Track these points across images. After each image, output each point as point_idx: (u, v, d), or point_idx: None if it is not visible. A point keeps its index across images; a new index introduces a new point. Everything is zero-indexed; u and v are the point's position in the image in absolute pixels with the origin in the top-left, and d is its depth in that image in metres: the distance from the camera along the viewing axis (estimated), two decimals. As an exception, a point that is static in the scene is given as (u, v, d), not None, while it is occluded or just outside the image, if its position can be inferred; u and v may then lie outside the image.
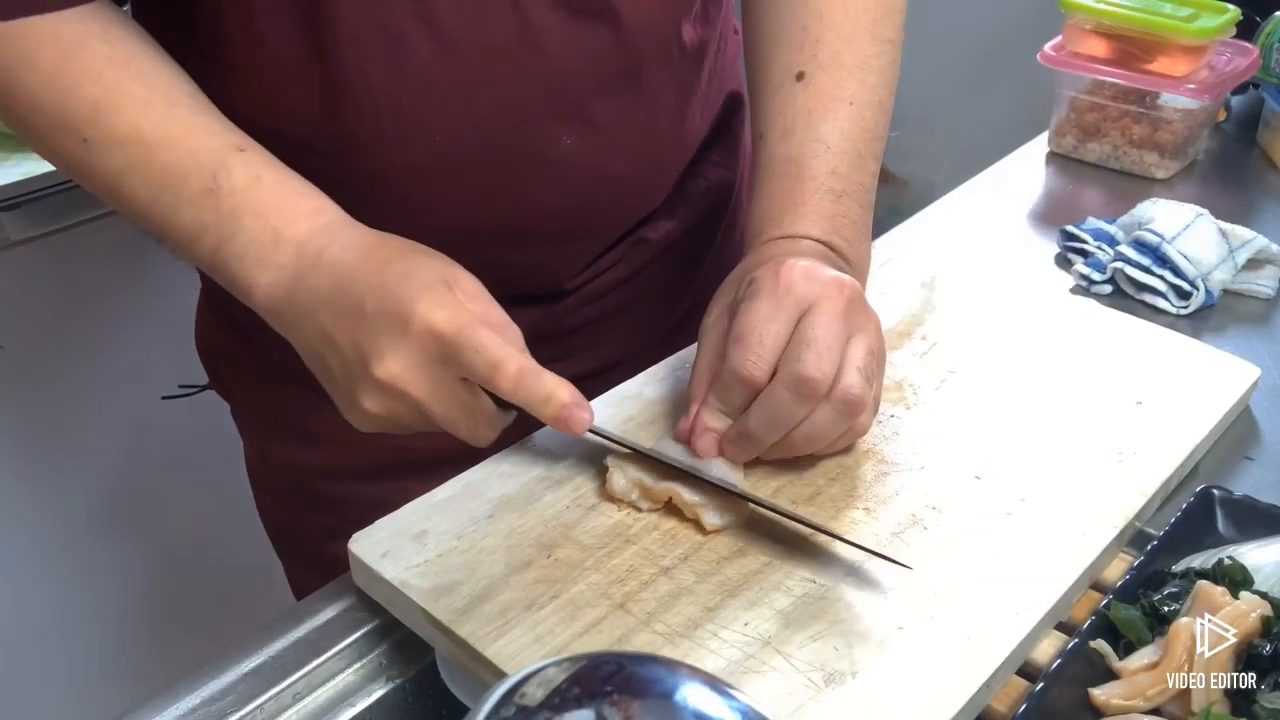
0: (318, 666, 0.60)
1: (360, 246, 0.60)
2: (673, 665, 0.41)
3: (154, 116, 0.60)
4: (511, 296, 0.76)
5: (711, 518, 0.60)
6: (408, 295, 0.56)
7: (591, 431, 0.61)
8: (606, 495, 0.62)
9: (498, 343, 0.56)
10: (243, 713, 0.57)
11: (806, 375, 0.58)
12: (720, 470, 0.61)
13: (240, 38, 0.64)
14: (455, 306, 0.56)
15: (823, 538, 0.60)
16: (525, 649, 0.53)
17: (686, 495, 0.60)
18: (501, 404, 0.60)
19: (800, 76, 0.69)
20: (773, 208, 0.68)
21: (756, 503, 0.61)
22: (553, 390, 0.57)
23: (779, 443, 0.61)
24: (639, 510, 0.62)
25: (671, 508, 0.61)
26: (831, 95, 0.69)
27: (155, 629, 1.52)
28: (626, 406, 0.70)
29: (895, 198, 2.57)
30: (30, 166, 1.17)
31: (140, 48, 0.62)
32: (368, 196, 0.68)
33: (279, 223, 0.60)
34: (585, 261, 0.78)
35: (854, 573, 0.58)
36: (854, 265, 0.67)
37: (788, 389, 0.58)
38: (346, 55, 0.63)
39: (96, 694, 1.40)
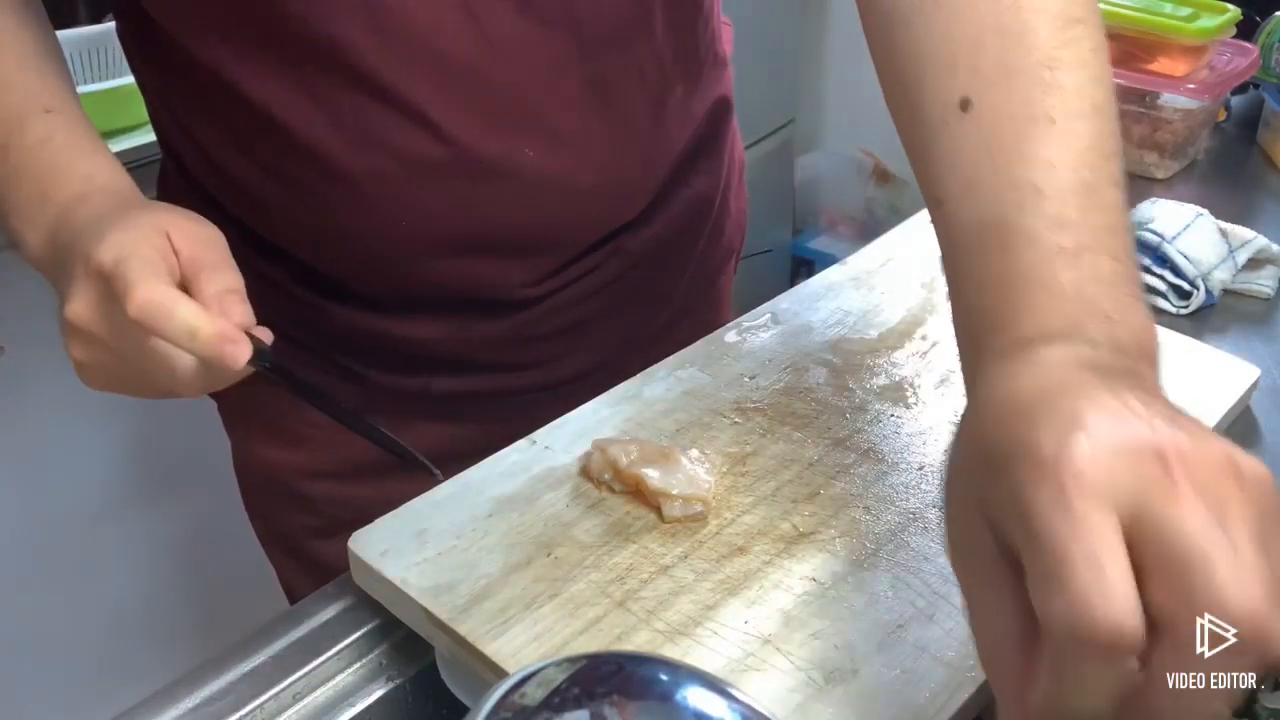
0: (318, 666, 0.60)
1: (106, 206, 0.59)
2: (673, 665, 0.41)
3: None
4: (479, 305, 0.75)
5: (673, 509, 0.61)
6: (102, 235, 0.55)
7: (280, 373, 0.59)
8: (584, 474, 0.63)
9: (143, 273, 0.53)
10: (243, 713, 0.57)
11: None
12: (676, 482, 0.62)
13: (200, 37, 0.64)
14: (135, 243, 0.54)
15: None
16: (525, 647, 0.53)
17: (651, 482, 0.61)
18: None
19: (965, 105, 0.50)
20: (985, 303, 0.46)
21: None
22: (192, 326, 0.53)
23: None
24: (613, 491, 0.62)
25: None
26: (1018, 117, 0.49)
27: (155, 629, 1.52)
28: (626, 407, 0.70)
29: (895, 198, 2.57)
30: (30, 166, 1.17)
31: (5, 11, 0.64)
32: (331, 207, 0.68)
33: (49, 186, 0.60)
34: (551, 271, 0.76)
35: (854, 572, 0.58)
36: (1129, 348, 0.43)
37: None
38: (303, 64, 0.63)
39: (97, 694, 1.40)
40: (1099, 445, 0.36)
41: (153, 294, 0.52)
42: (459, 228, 0.70)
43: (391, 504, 0.62)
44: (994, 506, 0.39)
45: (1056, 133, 0.48)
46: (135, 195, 0.61)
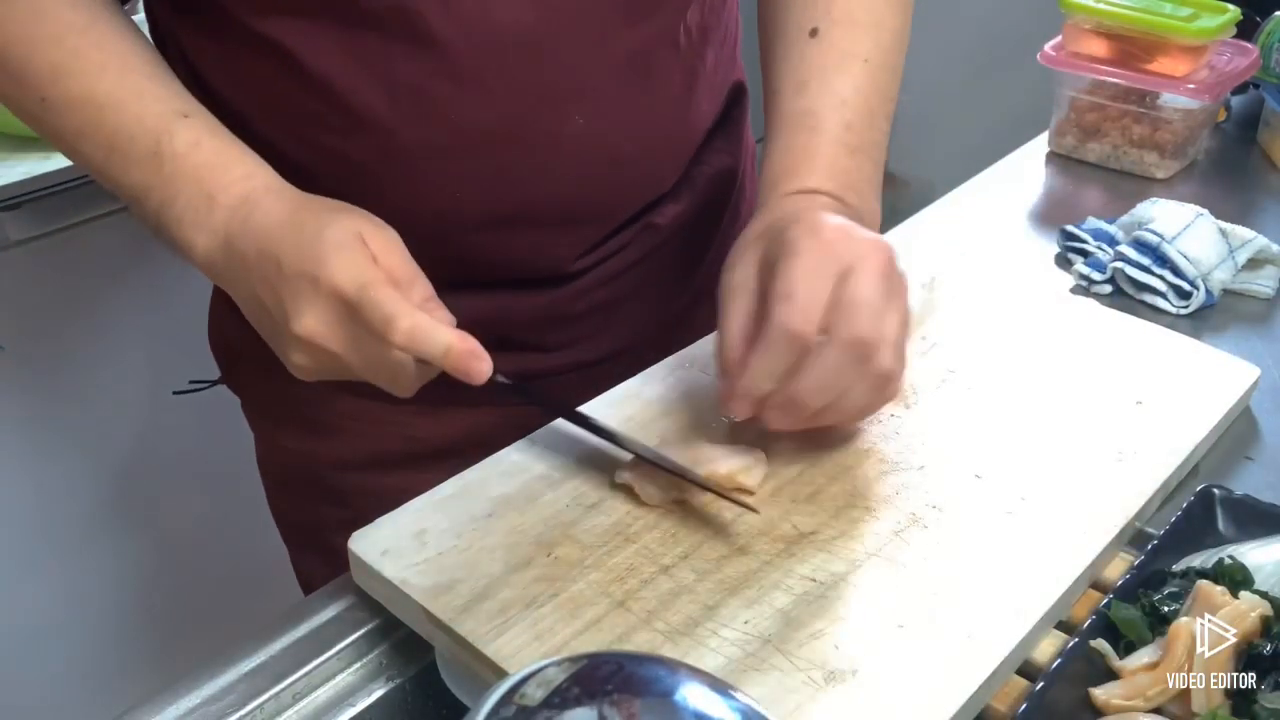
0: (318, 666, 0.60)
1: (283, 210, 0.62)
2: (672, 665, 0.41)
3: (106, 81, 0.64)
4: (516, 281, 0.77)
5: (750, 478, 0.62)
6: (319, 254, 0.59)
7: (519, 391, 0.64)
8: (640, 504, 0.62)
9: (394, 300, 0.58)
10: (243, 713, 0.57)
11: (862, 336, 0.58)
12: (739, 460, 0.63)
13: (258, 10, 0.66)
14: (361, 264, 0.58)
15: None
16: (525, 647, 0.53)
17: (723, 468, 0.62)
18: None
19: (814, 33, 0.70)
20: (787, 159, 0.68)
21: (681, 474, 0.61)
22: (448, 343, 0.58)
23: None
24: (674, 506, 0.62)
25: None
26: (845, 51, 0.70)
27: (155, 629, 1.52)
28: (625, 406, 0.70)
29: (895, 198, 2.56)
30: (30, 166, 1.17)
31: (103, 12, 0.65)
32: (381, 180, 0.69)
33: (212, 187, 0.63)
34: (591, 244, 0.78)
35: (854, 572, 0.58)
36: (866, 224, 0.67)
37: (842, 351, 0.58)
38: (365, 35, 0.65)
39: (97, 694, 1.40)
40: (836, 224, 0.61)
41: (415, 322, 0.58)
42: (507, 199, 0.71)
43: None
44: (770, 251, 0.61)
45: (866, 69, 0.70)
46: (291, 189, 0.64)
